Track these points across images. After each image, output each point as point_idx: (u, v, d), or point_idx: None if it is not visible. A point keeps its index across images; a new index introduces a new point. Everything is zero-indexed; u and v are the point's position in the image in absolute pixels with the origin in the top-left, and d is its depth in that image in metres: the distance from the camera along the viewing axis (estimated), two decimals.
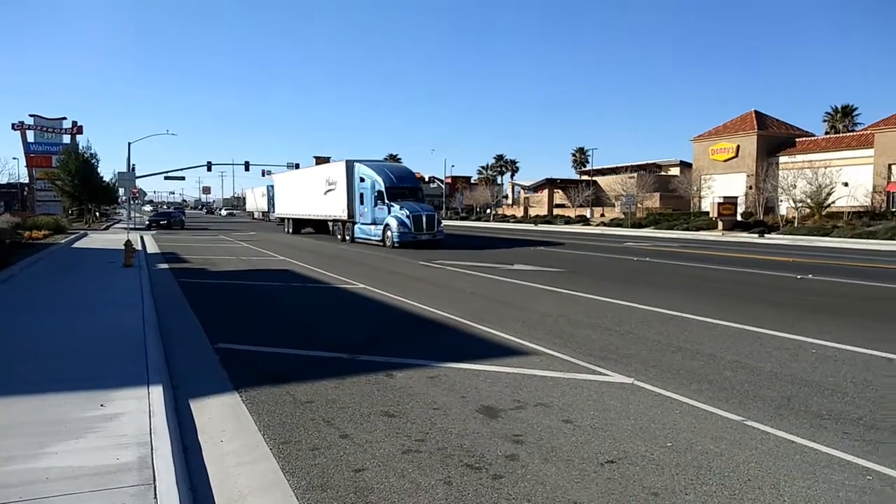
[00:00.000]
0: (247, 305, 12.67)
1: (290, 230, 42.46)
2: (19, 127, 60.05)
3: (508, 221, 69.71)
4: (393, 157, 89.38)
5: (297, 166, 61.66)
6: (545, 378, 7.14)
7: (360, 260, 22.87)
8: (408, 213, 28.08)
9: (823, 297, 13.47)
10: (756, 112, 58.87)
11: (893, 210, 43.34)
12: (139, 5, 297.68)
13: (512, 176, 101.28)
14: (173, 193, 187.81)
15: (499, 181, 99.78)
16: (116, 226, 53.74)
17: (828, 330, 9.69)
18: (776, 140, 56.85)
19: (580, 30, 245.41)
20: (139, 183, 70.13)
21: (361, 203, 31.06)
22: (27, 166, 61.55)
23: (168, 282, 16.00)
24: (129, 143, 52.99)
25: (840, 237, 34.06)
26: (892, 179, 45.03)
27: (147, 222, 52.83)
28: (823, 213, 42.13)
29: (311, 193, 37.14)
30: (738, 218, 45.11)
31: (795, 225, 40.57)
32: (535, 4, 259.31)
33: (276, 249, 27.68)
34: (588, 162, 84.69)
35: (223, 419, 5.95)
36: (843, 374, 7.31)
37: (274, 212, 67.66)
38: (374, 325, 10.46)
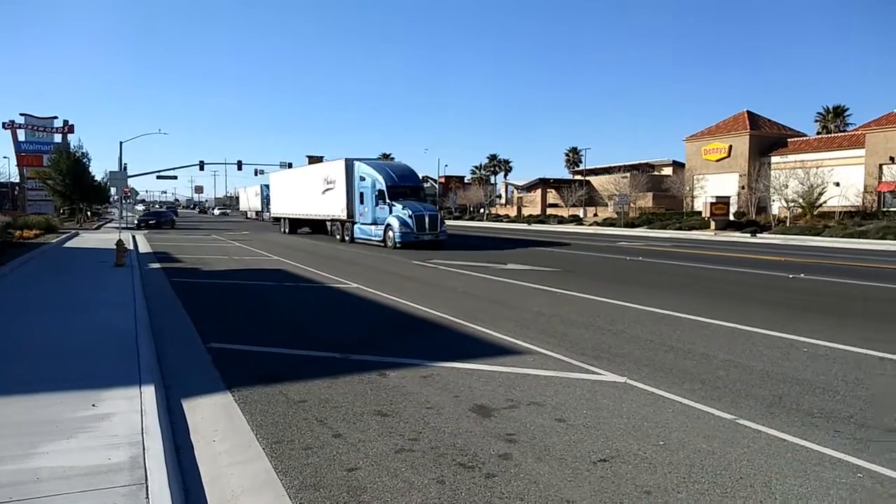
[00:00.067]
0: (239, 305, 12.63)
1: (287, 230, 41.69)
2: (10, 126, 59.63)
3: (502, 221, 69.78)
4: (386, 157, 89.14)
5: (290, 165, 61.49)
6: (538, 377, 7.15)
7: (354, 259, 22.85)
8: (410, 212, 27.39)
9: (815, 297, 13.54)
10: (748, 112, 59.09)
11: (884, 210, 43.60)
12: (132, 5, 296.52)
13: (505, 176, 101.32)
14: (165, 193, 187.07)
15: (492, 181, 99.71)
16: (108, 225, 53.54)
17: (819, 329, 9.74)
18: (768, 140, 57.08)
19: (574, 30, 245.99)
20: (131, 182, 69.69)
21: (361, 202, 30.40)
22: (18, 165, 61.07)
23: (160, 281, 15.94)
24: (121, 143, 52.90)
25: (831, 237, 34.23)
26: (883, 179, 45.25)
27: (136, 222, 52.31)
28: (815, 212, 42.33)
29: (309, 192, 36.45)
30: (731, 218, 45.28)
31: (787, 224, 40.74)
32: (530, 5, 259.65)
33: (270, 249, 27.62)
34: (581, 162, 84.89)
35: (215, 419, 5.94)
36: (835, 372, 7.35)
37: (268, 211, 67.52)
38: (367, 325, 10.45)
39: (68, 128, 61.29)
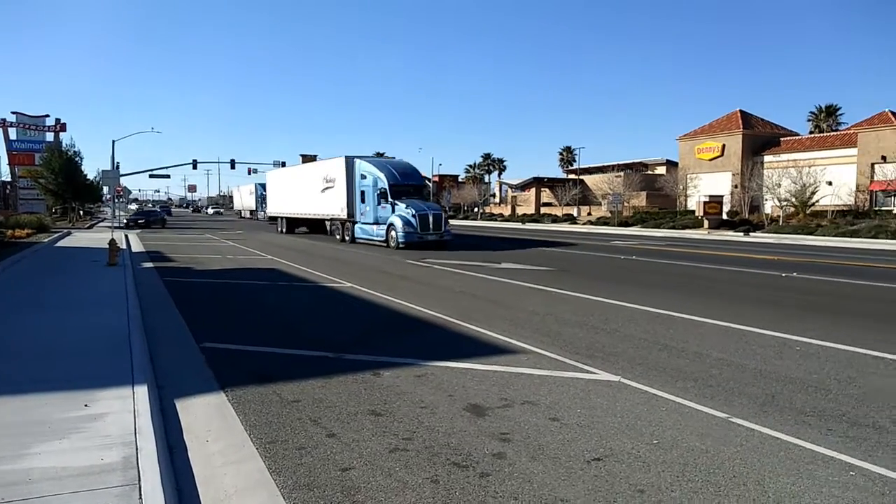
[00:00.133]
0: (233, 304, 12.60)
1: (284, 230, 40.85)
2: (1, 124, 59.37)
3: (496, 220, 69.79)
4: (380, 155, 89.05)
5: (284, 164, 61.20)
6: (532, 376, 7.16)
7: (349, 259, 22.82)
8: (413, 212, 26.64)
9: (808, 296, 13.59)
10: (741, 111, 59.29)
11: (876, 209, 43.85)
12: (127, 5, 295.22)
13: (499, 175, 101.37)
14: (158, 192, 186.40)
15: (486, 180, 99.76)
16: (100, 224, 53.28)
17: (812, 327, 9.78)
18: (761, 139, 57.31)
19: (569, 30, 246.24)
20: (124, 181, 69.33)
21: (363, 201, 29.61)
22: (9, 164, 60.84)
23: (153, 281, 15.88)
24: (114, 141, 52.39)
25: (824, 236, 34.37)
26: (875, 179, 45.51)
27: (125, 221, 51.80)
28: (808, 211, 42.52)
29: (307, 191, 35.70)
30: (724, 216, 45.42)
31: (780, 223, 40.90)
32: (523, 5, 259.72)
33: (265, 249, 27.55)
34: (575, 161, 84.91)
35: (209, 419, 5.92)
36: (827, 371, 7.38)
37: (263, 210, 67.24)
38: (361, 324, 10.44)
39: (60, 126, 61.09)
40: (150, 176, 75.95)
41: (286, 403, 6.23)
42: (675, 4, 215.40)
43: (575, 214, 65.08)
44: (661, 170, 72.95)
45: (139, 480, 4.18)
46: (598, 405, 6.16)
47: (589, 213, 64.82)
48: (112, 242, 18.39)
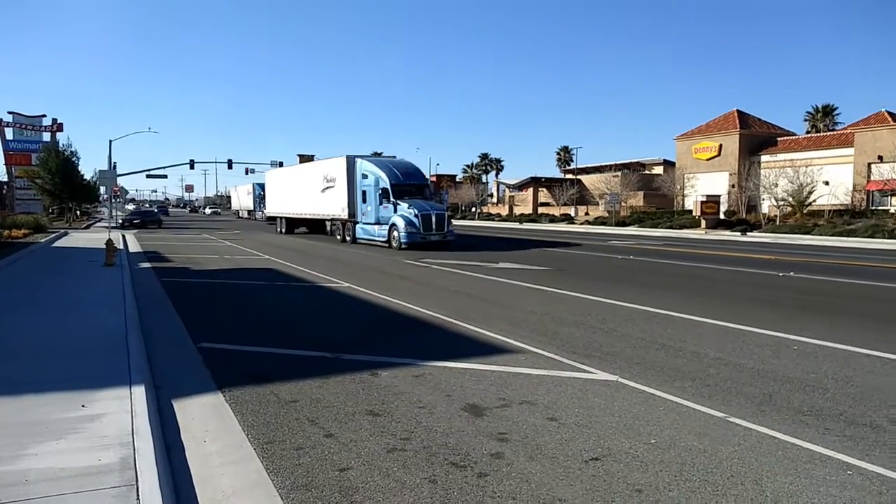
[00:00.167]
0: (230, 304, 12.59)
1: (283, 230, 40.31)
2: None
3: (493, 220, 69.81)
4: (378, 155, 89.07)
5: (281, 164, 61.22)
6: (530, 376, 7.16)
7: (347, 259, 22.81)
8: (416, 212, 26.24)
9: (805, 295, 13.62)
10: (738, 111, 59.37)
11: (873, 208, 43.94)
12: (124, 6, 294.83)
13: (497, 175, 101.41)
14: (155, 192, 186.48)
15: (484, 180, 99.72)
16: (97, 224, 53.19)
17: (809, 327, 9.80)
18: (758, 139, 57.39)
19: (564, 30, 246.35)
20: (121, 181, 69.30)
21: (364, 201, 29.19)
22: (6, 164, 60.52)
23: (150, 281, 15.86)
24: (111, 141, 52.59)
25: (821, 235, 34.43)
26: (872, 178, 45.60)
27: (119, 222, 51.34)
28: (805, 211, 42.59)
29: (307, 191, 35.25)
30: (721, 216, 45.48)
31: (777, 223, 40.96)
32: (522, 5, 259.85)
33: (263, 249, 27.52)
34: (572, 161, 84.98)
35: (206, 419, 5.91)
36: (825, 370, 7.40)
37: (261, 210, 67.05)
38: (358, 324, 10.44)
39: (57, 126, 60.84)
40: (147, 176, 76.16)
41: (284, 403, 6.22)
42: (673, 5, 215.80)
43: (572, 214, 65.08)
44: (659, 170, 73.02)
45: (137, 481, 4.18)
46: (596, 405, 6.16)
47: (586, 213, 64.84)
48: (109, 243, 18.36)
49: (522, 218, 66.46)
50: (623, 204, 57.55)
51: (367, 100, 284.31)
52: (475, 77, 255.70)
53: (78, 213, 60.82)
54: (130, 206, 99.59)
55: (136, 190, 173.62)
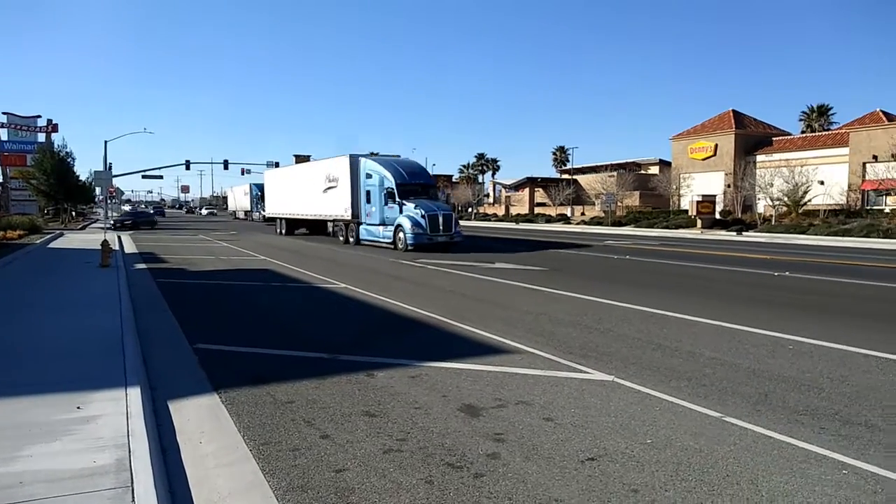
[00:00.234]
0: (226, 305, 12.57)
1: (283, 231, 39.45)
2: None
3: (490, 220, 69.88)
4: (374, 155, 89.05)
5: (277, 164, 61.18)
6: (526, 376, 7.16)
7: (344, 260, 22.79)
8: (423, 212, 25.52)
9: (800, 295, 13.65)
10: (734, 111, 59.51)
11: (868, 208, 44.07)
12: (120, 7, 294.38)
13: (493, 175, 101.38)
14: (151, 192, 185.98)
15: (480, 180, 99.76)
16: (93, 225, 53.04)
17: (805, 326, 9.82)
18: (754, 139, 57.52)
19: (559, 30, 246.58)
20: (116, 182, 69.21)
21: (368, 202, 28.44)
22: (1, 165, 60.43)
23: (146, 282, 15.83)
24: (106, 142, 52.40)
25: (816, 235, 34.53)
26: (867, 178, 45.74)
27: (111, 223, 50.61)
28: (800, 211, 42.71)
29: (308, 191, 34.35)
30: (717, 216, 45.59)
31: (773, 223, 41.08)
32: (507, 6, 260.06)
33: (261, 250, 27.47)
34: (569, 161, 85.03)
35: (202, 420, 5.90)
36: (820, 369, 7.41)
37: (258, 211, 66.88)
38: (354, 325, 10.43)
39: (52, 127, 60.73)
40: (143, 177, 75.71)
41: (280, 405, 6.21)
42: (669, 5, 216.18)
43: (569, 214, 65.19)
44: (655, 169, 73.14)
45: (132, 483, 4.16)
46: (592, 405, 6.17)
47: (582, 213, 64.94)
48: (105, 244, 18.30)
49: (519, 218, 66.52)
50: (619, 204, 57.65)
51: (365, 100, 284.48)
52: (472, 77, 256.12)
53: (73, 214, 60.66)
54: (126, 207, 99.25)
55: (132, 191, 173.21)
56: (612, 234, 42.29)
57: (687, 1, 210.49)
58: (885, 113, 51.26)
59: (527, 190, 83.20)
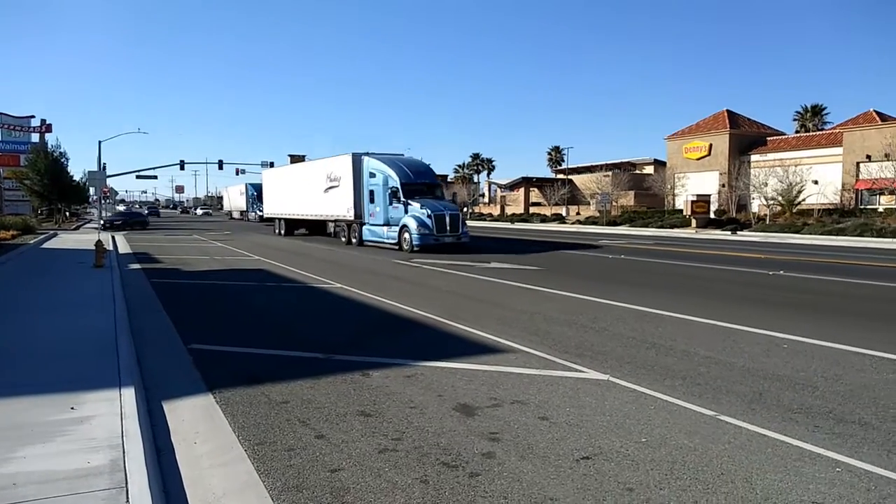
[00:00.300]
0: (221, 305, 12.54)
1: (282, 231, 38.71)
2: None
3: (485, 220, 69.82)
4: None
5: (272, 164, 60.99)
6: (521, 375, 7.17)
7: (339, 260, 22.77)
8: (429, 212, 24.83)
9: (795, 294, 13.69)
10: (728, 111, 59.64)
11: (862, 207, 44.22)
12: (116, 8, 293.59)
13: (488, 175, 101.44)
14: (146, 192, 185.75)
15: (475, 180, 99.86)
16: (87, 226, 52.84)
17: (799, 325, 9.85)
18: (748, 139, 57.65)
19: (553, 30, 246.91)
20: (110, 182, 68.90)
21: (371, 201, 27.66)
22: None
23: (140, 282, 15.78)
24: (100, 142, 52.18)
25: (810, 234, 34.62)
26: (861, 177, 45.91)
27: (101, 223, 49.97)
28: (794, 210, 42.81)
29: (309, 191, 33.59)
30: (711, 215, 45.63)
31: (767, 222, 41.14)
32: (506, 6, 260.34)
33: (258, 251, 27.39)
34: (563, 161, 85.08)
35: (197, 421, 5.88)
36: (814, 368, 7.44)
37: (254, 211, 66.68)
38: (350, 325, 10.41)
39: (45, 127, 60.45)
40: (138, 177, 75.70)
41: (275, 405, 6.20)
42: (664, 5, 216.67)
43: (564, 214, 65.21)
44: (649, 169, 73.24)
45: (126, 483, 4.15)
46: (587, 404, 6.18)
47: (577, 213, 64.97)
48: (99, 244, 18.25)
49: (514, 218, 66.52)
50: (614, 203, 57.72)
51: (362, 100, 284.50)
52: (469, 78, 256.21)
53: (67, 214, 60.45)
54: (121, 207, 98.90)
55: (126, 191, 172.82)
56: (608, 234, 42.34)
57: (682, 1, 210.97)
58: (878, 113, 51.49)
59: (522, 190, 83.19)
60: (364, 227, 28.77)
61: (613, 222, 50.87)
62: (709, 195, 47.54)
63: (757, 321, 10.15)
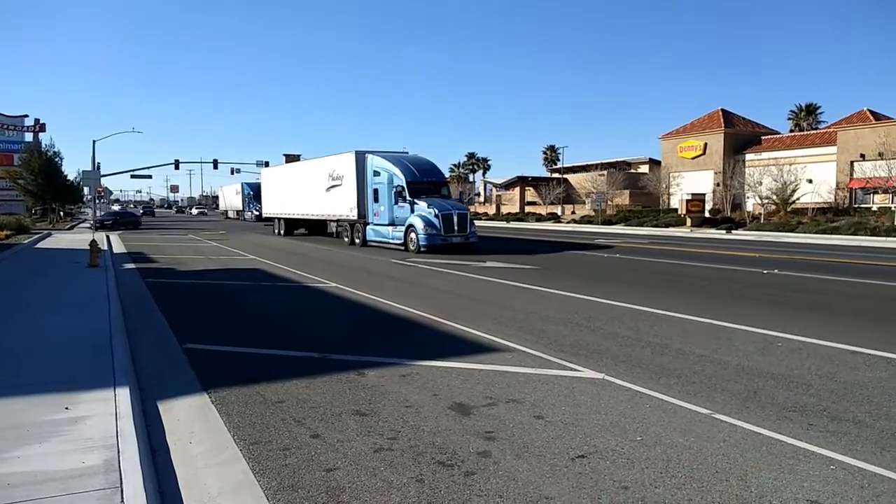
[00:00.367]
0: (216, 305, 12.52)
1: (282, 231, 38.09)
2: None
3: (481, 219, 69.71)
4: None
5: (267, 164, 60.96)
6: (517, 374, 7.17)
7: (336, 259, 22.75)
8: (436, 211, 24.20)
9: (789, 292, 13.73)
10: (723, 110, 59.82)
11: (856, 206, 44.40)
12: (113, 7, 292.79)
13: (484, 174, 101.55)
14: (140, 192, 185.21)
15: (471, 179, 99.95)
16: (81, 225, 52.67)
17: (793, 323, 9.88)
18: (743, 138, 57.83)
19: (548, 30, 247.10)
20: (105, 181, 68.76)
21: (376, 200, 26.96)
22: None
23: (135, 282, 15.74)
24: (94, 141, 51.98)
25: (805, 233, 34.74)
26: (854, 176, 46.09)
27: (91, 223, 49.48)
28: (788, 209, 42.97)
29: (310, 190, 32.83)
30: (706, 214, 45.77)
31: (762, 221, 41.27)
32: (501, 7, 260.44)
33: (255, 251, 27.34)
34: (559, 160, 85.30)
35: (192, 420, 5.87)
36: (808, 366, 7.46)
37: (250, 211, 66.46)
38: (345, 324, 10.41)
39: (39, 126, 60.28)
40: (132, 176, 75.28)
41: (270, 404, 6.19)
42: (661, 5, 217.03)
43: (559, 213, 65.28)
44: (644, 168, 73.35)
45: (121, 483, 4.14)
46: (583, 403, 6.19)
47: (573, 212, 65.05)
48: (93, 244, 18.19)
49: (509, 217, 66.57)
50: (609, 203, 57.79)
51: (361, 100, 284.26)
52: (466, 79, 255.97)
53: (61, 214, 60.23)
54: (116, 207, 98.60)
55: (121, 190, 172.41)
56: (603, 233, 42.38)
57: (677, 1, 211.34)
58: (872, 112, 51.73)
59: (517, 189, 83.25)
60: (368, 227, 28.07)
61: (609, 221, 50.95)
62: (704, 194, 47.64)
63: (751, 320, 10.18)
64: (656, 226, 45.53)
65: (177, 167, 66.45)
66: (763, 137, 57.56)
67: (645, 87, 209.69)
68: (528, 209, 74.06)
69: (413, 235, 24.72)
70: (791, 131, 63.39)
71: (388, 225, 26.45)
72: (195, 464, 4.94)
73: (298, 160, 47.15)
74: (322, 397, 6.39)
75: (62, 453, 4.63)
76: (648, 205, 59.84)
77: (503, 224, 59.80)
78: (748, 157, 54.43)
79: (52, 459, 4.53)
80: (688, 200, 44.53)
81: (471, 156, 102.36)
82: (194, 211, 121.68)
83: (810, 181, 45.32)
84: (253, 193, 64.82)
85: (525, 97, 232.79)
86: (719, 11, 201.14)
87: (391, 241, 26.31)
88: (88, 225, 48.72)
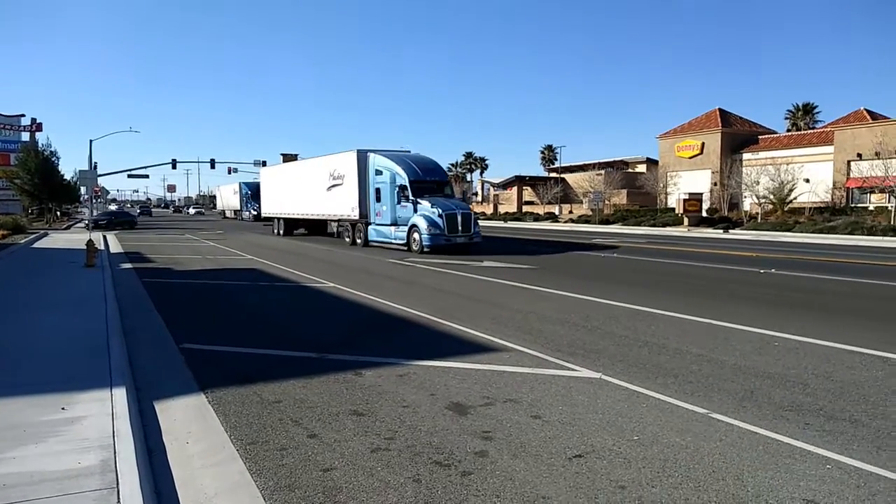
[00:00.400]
0: (213, 305, 12.50)
1: (281, 231, 37.70)
2: None
3: (479, 218, 69.89)
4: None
5: (265, 163, 60.87)
6: (514, 374, 7.18)
7: (333, 259, 22.73)
8: (440, 211, 23.88)
9: (786, 292, 13.75)
10: (720, 110, 59.85)
11: (853, 206, 44.48)
12: (111, 8, 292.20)
13: (482, 173, 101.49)
14: (137, 192, 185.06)
15: (469, 178, 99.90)
16: (78, 225, 52.56)
17: (790, 323, 9.90)
18: (740, 137, 57.88)
19: (545, 30, 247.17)
20: (102, 181, 68.64)
21: (378, 200, 26.61)
22: None
23: (131, 282, 15.71)
24: (91, 141, 51.79)
25: (802, 232, 34.81)
26: (851, 176, 46.16)
27: (86, 223, 49.06)
28: (786, 208, 43.04)
29: (310, 190, 32.43)
30: (704, 214, 45.84)
31: (759, 220, 41.34)
32: (501, 7, 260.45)
33: (247, 249, 27.32)
34: (556, 159, 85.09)
35: (189, 420, 5.87)
36: (805, 366, 7.48)
37: (248, 210, 66.38)
38: (343, 324, 10.40)
39: (36, 126, 60.20)
40: (129, 176, 75.17)
41: (267, 404, 6.19)
42: (658, 5, 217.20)
43: (557, 213, 65.32)
44: (642, 168, 73.44)
45: (117, 484, 4.14)
46: (580, 402, 6.19)
47: (570, 212, 65.11)
48: (90, 243, 18.16)
49: (507, 216, 66.60)
50: (607, 202, 57.82)
51: (360, 101, 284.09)
52: (465, 79, 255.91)
53: (58, 213, 60.12)
54: (113, 207, 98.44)
55: (118, 190, 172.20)
56: (600, 233, 42.41)
57: (678, 2, 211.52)
58: (869, 112, 51.82)
59: (515, 188, 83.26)
60: (370, 227, 27.69)
61: (606, 221, 51.01)
62: (701, 194, 47.72)
63: (748, 319, 10.19)
64: (653, 225, 45.60)
65: (174, 167, 66.29)
66: (760, 137, 57.62)
67: (644, 86, 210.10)
68: (525, 209, 74.09)
69: (416, 236, 24.42)
70: (788, 131, 63.43)
71: (391, 225, 26.12)
72: (192, 464, 4.93)
73: (296, 160, 47.03)
74: (319, 397, 6.38)
75: (58, 454, 4.63)
76: (646, 204, 59.90)
77: (501, 223, 59.80)
78: (745, 156, 54.49)
79: (48, 460, 4.52)
80: (685, 200, 44.58)
81: (468, 155, 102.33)
82: (191, 211, 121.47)
83: (807, 181, 45.38)
84: (251, 193, 64.72)
85: (524, 97, 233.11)
86: (719, 11, 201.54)
87: (394, 241, 26.00)
88: (84, 225, 48.56)
